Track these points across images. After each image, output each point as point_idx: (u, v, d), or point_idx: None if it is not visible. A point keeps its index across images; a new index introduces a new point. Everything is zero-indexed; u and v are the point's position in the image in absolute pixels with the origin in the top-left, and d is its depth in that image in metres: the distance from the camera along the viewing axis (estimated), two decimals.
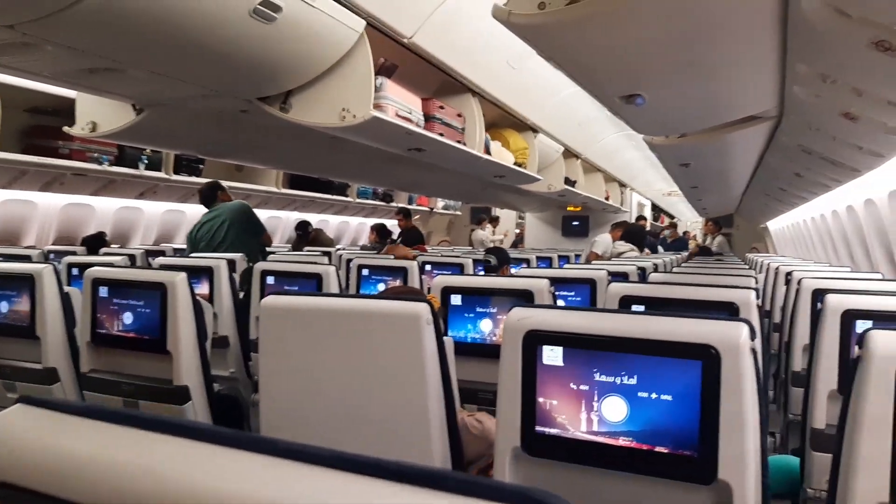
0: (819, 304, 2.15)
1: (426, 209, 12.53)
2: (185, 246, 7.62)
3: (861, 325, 2.07)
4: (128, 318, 2.45)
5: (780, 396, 3.18)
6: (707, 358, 1.20)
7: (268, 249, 6.08)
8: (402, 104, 3.64)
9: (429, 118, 4.09)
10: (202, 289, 3.39)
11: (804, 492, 2.12)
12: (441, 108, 4.24)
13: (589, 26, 1.48)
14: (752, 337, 1.22)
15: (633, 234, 8.12)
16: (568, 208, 10.69)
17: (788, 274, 3.66)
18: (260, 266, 3.37)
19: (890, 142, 2.47)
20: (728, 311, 2.06)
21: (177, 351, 2.32)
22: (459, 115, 4.54)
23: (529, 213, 11.71)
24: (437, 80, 4.39)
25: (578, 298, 3.32)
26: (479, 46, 4.07)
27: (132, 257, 4.91)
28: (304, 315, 1.51)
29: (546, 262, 6.12)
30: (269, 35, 2.68)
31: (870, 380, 1.14)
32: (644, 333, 1.25)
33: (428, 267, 4.64)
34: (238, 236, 5.04)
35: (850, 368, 1.22)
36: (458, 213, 13.92)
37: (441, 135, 4.12)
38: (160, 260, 3.91)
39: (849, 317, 2.06)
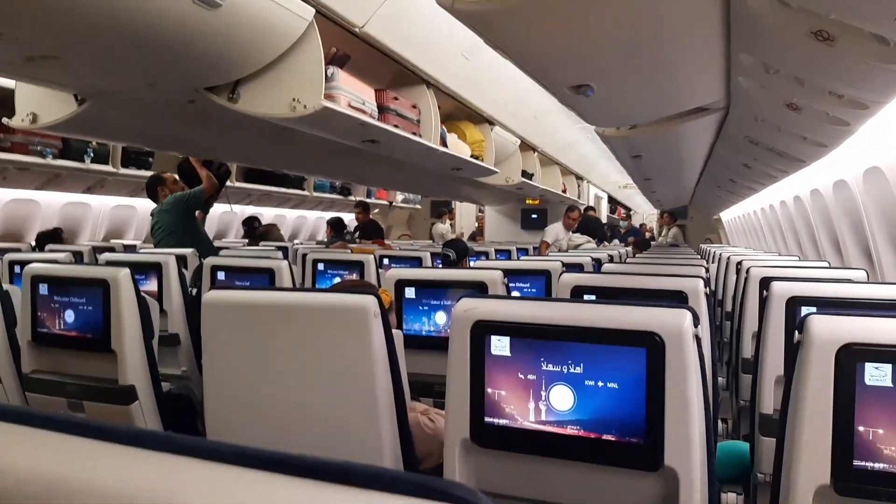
0: (766, 292, 2.19)
1: (385, 203, 12.46)
2: (135, 242, 7.44)
3: (805, 312, 2.11)
4: (70, 316, 2.36)
5: (731, 383, 3.25)
6: (651, 345, 1.20)
7: (218, 245, 5.97)
8: (354, 95, 3.59)
9: (383, 109, 4.05)
10: (150, 285, 3.30)
11: (754, 476, 2.17)
12: (395, 99, 4.20)
13: (534, 14, 1.47)
14: (696, 323, 1.23)
15: (590, 225, 8.23)
16: (527, 201, 10.75)
17: (738, 263, 3.73)
18: (210, 261, 3.30)
19: (833, 132, 2.53)
20: (677, 299, 2.09)
21: (121, 350, 2.25)
22: (414, 107, 4.51)
23: (489, 207, 11.74)
24: (391, 71, 4.34)
25: (534, 290, 3.33)
26: (433, 37, 4.04)
27: (78, 254, 4.75)
28: (248, 310, 1.48)
29: (505, 254, 6.14)
30: (213, 23, 2.61)
31: (810, 364, 1.16)
32: (589, 322, 1.25)
33: (386, 261, 4.61)
34: (172, 227, 4.94)
35: (793, 354, 1.23)
36: (418, 206, 13.88)
37: (396, 126, 4.08)
38: (106, 256, 3.78)
39: (794, 303, 2.11)
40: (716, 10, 1.68)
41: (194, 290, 3.43)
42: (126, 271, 2.27)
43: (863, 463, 1.12)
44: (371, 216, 13.55)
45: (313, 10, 3.00)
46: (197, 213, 5.13)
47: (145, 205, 7.66)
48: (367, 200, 10.04)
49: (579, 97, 2.28)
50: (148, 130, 4.45)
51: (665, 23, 1.72)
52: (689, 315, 1.22)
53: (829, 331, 1.15)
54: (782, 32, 1.60)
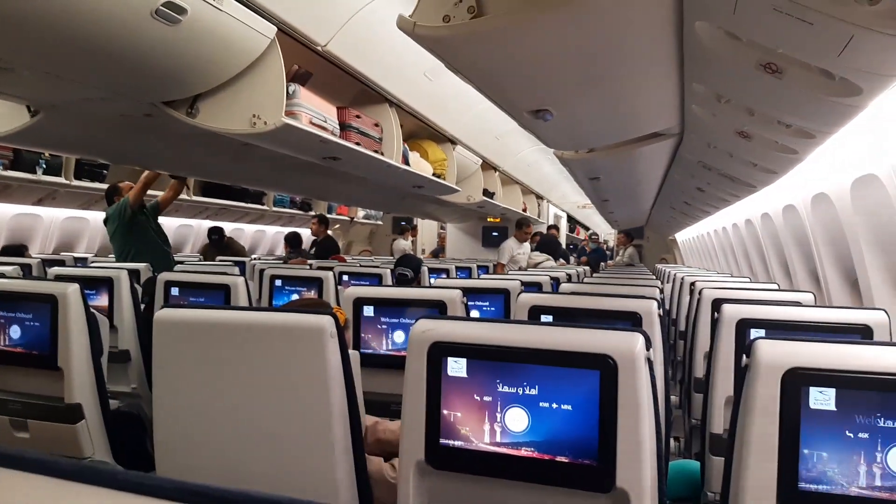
0: (717, 314, 2.25)
1: (346, 218, 12.40)
2: (87, 255, 7.24)
3: (755, 334, 2.18)
4: (15, 332, 2.29)
5: (684, 402, 3.31)
6: (604, 367, 1.22)
7: (176, 258, 5.86)
8: (316, 112, 3.58)
9: (345, 127, 4.04)
10: (101, 300, 3.22)
11: (705, 495, 2.20)
12: (357, 117, 4.20)
13: (493, 41, 1.49)
14: (648, 346, 1.25)
15: (549, 244, 8.33)
16: (488, 219, 10.84)
17: (692, 284, 3.82)
18: (164, 277, 3.23)
19: (782, 159, 2.62)
20: (632, 320, 2.13)
21: (68, 367, 2.18)
22: (377, 125, 4.52)
23: (450, 224, 11.79)
24: (353, 90, 4.35)
25: (493, 309, 3.35)
26: (396, 57, 4.07)
27: (27, 267, 4.60)
28: (200, 329, 1.45)
29: (465, 272, 6.16)
30: (172, 37, 2.58)
31: (756, 387, 1.19)
32: (545, 344, 1.27)
33: (345, 277, 4.58)
34: (114, 236, 4.92)
35: (741, 377, 1.26)
36: (380, 222, 13.84)
37: (357, 144, 4.08)
38: (55, 270, 3.68)
39: (743, 325, 2.17)
40: (670, 40, 1.73)
41: (143, 306, 3.36)
42: (75, 287, 2.21)
43: (808, 486, 1.15)
44: (332, 231, 13.48)
45: (275, 28, 3.00)
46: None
47: (98, 217, 7.48)
48: (327, 215, 9.94)
49: (538, 121, 2.32)
50: (103, 143, 4.36)
51: (621, 51, 1.76)
52: (641, 338, 1.24)
53: (775, 355, 1.18)
54: (733, 64, 1.65)
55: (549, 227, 10.85)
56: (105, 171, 6.70)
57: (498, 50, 1.57)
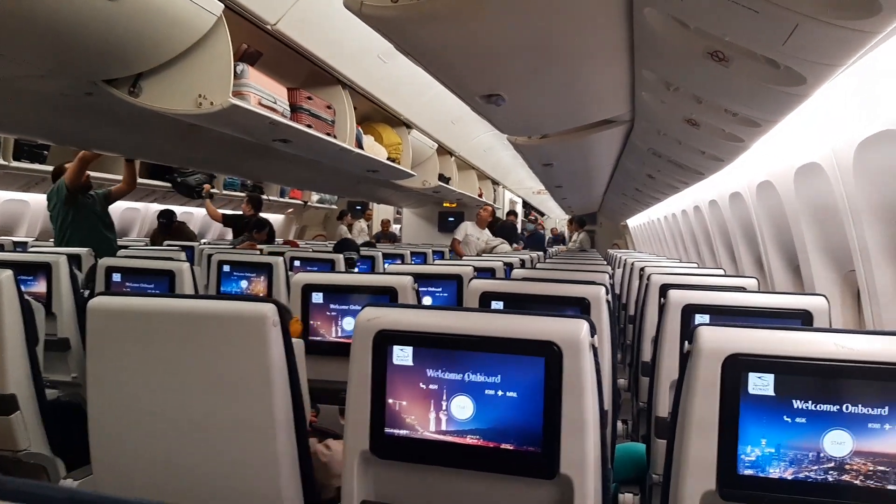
0: (663, 300, 2.28)
1: (300, 202, 12.22)
2: (27, 239, 6.98)
3: (699, 319, 2.22)
4: None
5: (632, 385, 3.36)
6: (549, 354, 1.22)
7: (122, 243, 5.70)
8: (265, 93, 3.49)
9: (296, 109, 3.96)
10: (39, 287, 3.10)
11: (650, 477, 2.24)
12: (309, 98, 4.11)
13: (442, 23, 1.46)
14: (592, 333, 1.25)
15: (505, 229, 8.39)
16: (444, 204, 10.83)
17: (641, 269, 3.88)
18: (105, 262, 3.12)
19: (728, 147, 2.66)
20: (580, 306, 2.14)
21: (1, 357, 2.09)
22: (329, 108, 4.43)
23: (406, 209, 11.74)
24: (305, 71, 4.26)
25: (445, 294, 3.34)
26: (348, 38, 3.98)
27: None
28: (136, 318, 1.39)
29: (420, 257, 6.13)
30: (112, 12, 2.47)
31: (698, 373, 1.20)
32: (490, 331, 1.26)
33: (297, 263, 4.51)
34: (59, 217, 4.79)
35: (684, 362, 1.28)
36: (334, 206, 13.70)
37: (309, 126, 4.00)
38: None
39: (688, 311, 2.20)
40: (620, 26, 1.73)
41: (87, 292, 3.25)
42: (9, 273, 2.11)
43: (747, 469, 1.17)
44: (285, 215, 13.26)
45: (222, 6, 2.90)
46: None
47: (39, 199, 7.19)
48: (260, 195, 9.72)
49: (490, 106, 2.30)
50: (42, 123, 4.18)
51: (572, 36, 1.75)
52: (586, 325, 1.24)
53: (716, 341, 1.20)
54: (681, 51, 1.66)
55: (509, 214, 10.91)
56: (46, 152, 6.45)
57: (447, 32, 1.55)
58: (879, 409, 1.14)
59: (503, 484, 1.29)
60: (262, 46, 3.72)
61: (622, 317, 4.96)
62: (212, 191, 6.78)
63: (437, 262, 5.71)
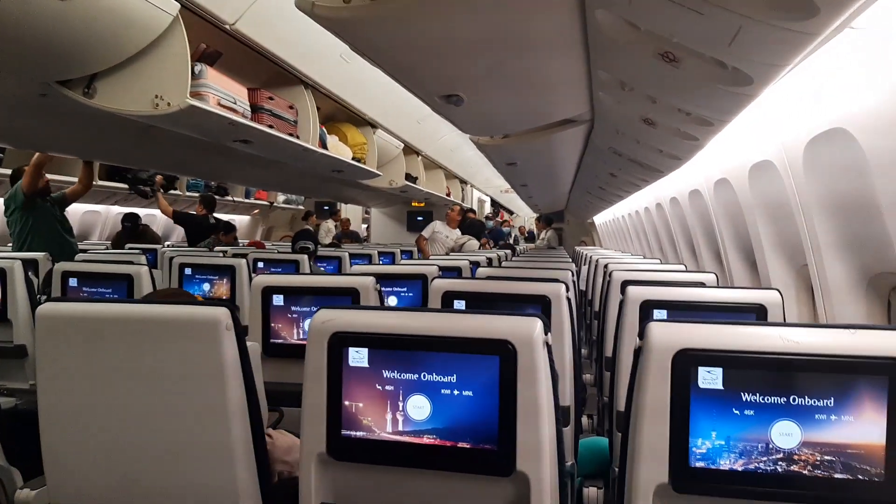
0: (623, 295, 2.31)
1: (266, 203, 12.10)
2: None
3: (657, 314, 2.26)
4: None
5: (598, 380, 3.40)
6: (504, 353, 1.23)
7: (82, 247, 5.58)
8: (225, 93, 3.45)
9: (257, 109, 3.92)
10: None
11: (613, 471, 2.26)
12: (270, 99, 4.08)
13: (396, 23, 1.46)
14: (547, 331, 1.27)
15: (473, 226, 8.42)
16: (412, 204, 10.81)
17: (605, 266, 3.92)
18: (61, 267, 3.06)
19: (684, 146, 2.71)
20: (541, 304, 2.16)
21: None
22: (291, 108, 4.40)
23: (375, 209, 11.71)
24: (267, 71, 4.21)
25: (411, 294, 3.34)
26: (310, 37, 3.94)
27: None
28: (87, 324, 1.36)
29: (389, 257, 6.12)
30: (64, 12, 2.42)
31: (649, 368, 1.22)
32: (445, 331, 1.26)
33: (261, 265, 4.46)
34: (16, 223, 4.69)
35: (637, 357, 1.29)
36: (301, 207, 13.59)
37: (270, 127, 3.96)
38: None
39: (647, 306, 2.24)
40: (574, 27, 1.75)
41: (43, 298, 3.18)
42: None
43: (698, 462, 1.19)
44: (251, 216, 13.10)
45: (178, 5, 2.86)
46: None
47: None
48: (235, 198, 9.55)
49: (450, 106, 2.31)
50: None
51: (527, 37, 1.77)
52: (539, 323, 1.26)
53: (666, 337, 1.22)
54: (633, 52, 1.68)
55: (467, 211, 10.93)
56: (1, 155, 6.30)
57: (402, 32, 1.55)
58: (826, 401, 1.17)
59: (461, 482, 1.30)
60: (222, 46, 3.67)
61: (588, 313, 5.02)
62: (162, 180, 6.68)
63: (403, 261, 5.70)
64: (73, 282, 3.01)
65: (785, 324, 1.23)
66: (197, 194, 9.44)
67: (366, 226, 14.08)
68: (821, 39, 1.32)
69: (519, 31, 1.69)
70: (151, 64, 2.97)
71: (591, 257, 5.55)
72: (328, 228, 12.29)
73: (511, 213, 19.19)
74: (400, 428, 1.28)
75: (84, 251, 5.12)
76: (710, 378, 1.21)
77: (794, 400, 1.17)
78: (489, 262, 4.54)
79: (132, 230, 7.41)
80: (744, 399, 1.19)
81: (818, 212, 2.31)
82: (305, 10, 1.40)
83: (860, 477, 1.13)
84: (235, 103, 3.57)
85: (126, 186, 7.67)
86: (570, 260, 5.70)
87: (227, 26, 3.26)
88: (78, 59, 2.86)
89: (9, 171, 6.29)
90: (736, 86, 1.65)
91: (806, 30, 1.23)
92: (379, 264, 5.12)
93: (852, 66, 1.75)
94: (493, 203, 16.31)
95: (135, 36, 2.86)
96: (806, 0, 1.08)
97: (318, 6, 1.38)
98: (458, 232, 7.97)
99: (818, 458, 1.16)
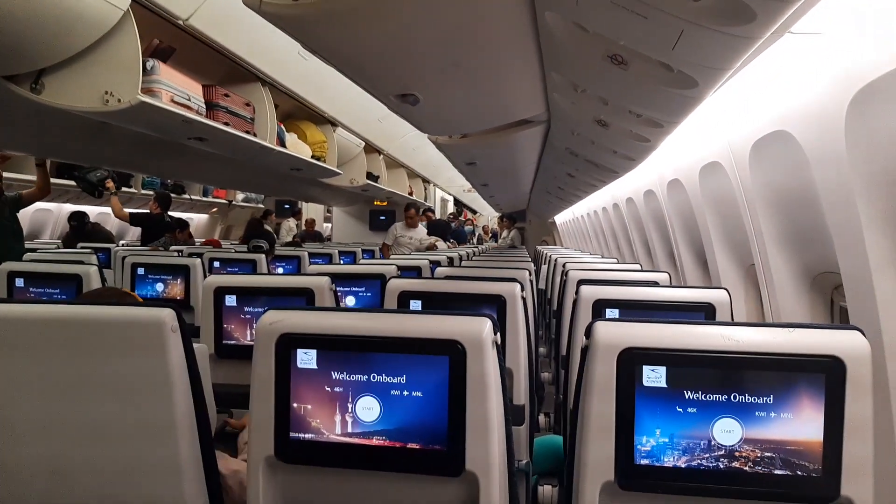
0: (576, 294, 2.34)
1: (224, 201, 11.91)
2: None
3: (609, 313, 2.29)
4: None
5: (556, 378, 3.43)
6: (453, 353, 1.23)
7: (29, 246, 5.42)
8: (178, 90, 3.39)
9: (212, 106, 3.86)
10: None
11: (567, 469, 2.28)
12: (226, 95, 4.02)
13: (347, 21, 1.45)
14: (496, 331, 1.27)
15: (439, 227, 8.44)
16: (375, 203, 10.77)
17: (563, 265, 3.96)
18: (7, 267, 2.96)
19: (637, 147, 2.75)
20: (497, 303, 2.17)
21: None
22: (248, 105, 4.34)
23: (336, 207, 11.62)
24: (222, 68, 4.15)
25: (369, 294, 3.32)
26: (266, 33, 3.87)
27: None
28: (26, 325, 1.32)
29: (350, 256, 6.08)
30: (11, 5, 2.35)
31: (595, 367, 1.24)
32: (395, 332, 1.26)
33: (217, 264, 4.39)
34: None
35: (583, 357, 1.31)
36: (261, 206, 13.41)
37: (226, 124, 3.91)
38: None
39: (599, 305, 2.27)
40: (526, 29, 1.76)
41: None
42: None
43: (643, 460, 1.21)
44: (209, 214, 12.88)
45: (129, 0, 2.80)
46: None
47: None
48: (192, 196, 9.34)
49: (407, 105, 2.30)
50: None
51: (479, 37, 1.77)
52: (489, 323, 1.26)
53: (611, 336, 1.23)
54: (583, 55, 1.70)
55: (425, 211, 10.92)
56: None
57: (353, 31, 1.54)
58: (766, 398, 1.19)
59: (411, 483, 1.30)
60: (176, 42, 3.61)
61: (548, 311, 5.06)
62: (113, 186, 6.52)
63: (364, 261, 5.67)
64: (19, 282, 2.92)
65: (728, 323, 1.26)
66: (153, 192, 9.25)
67: (329, 225, 13.95)
68: (760, 44, 1.35)
69: (472, 31, 1.70)
70: (101, 59, 2.91)
71: (550, 256, 5.60)
72: (289, 227, 12.17)
73: (474, 212, 19.25)
74: (349, 430, 1.28)
75: (33, 251, 4.97)
76: (654, 376, 1.23)
77: (735, 398, 1.20)
78: (450, 262, 4.55)
79: (80, 229, 7.21)
80: (687, 397, 1.22)
81: (764, 212, 2.37)
82: (253, 6, 1.38)
83: (799, 473, 1.16)
84: (189, 100, 3.51)
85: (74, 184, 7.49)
86: (530, 259, 5.75)
87: (181, 22, 3.20)
88: (25, 54, 2.78)
89: None
90: (682, 88, 1.68)
91: (745, 34, 1.26)
92: (339, 264, 5.09)
93: (793, 69, 1.80)
94: (457, 202, 16.35)
95: (84, 30, 2.79)
96: (742, 5, 1.11)
97: (265, 3, 1.37)
98: (423, 231, 7.95)
99: (759, 455, 1.19)
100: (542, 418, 3.16)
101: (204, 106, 3.73)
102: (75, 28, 2.78)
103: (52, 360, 1.32)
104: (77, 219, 7.26)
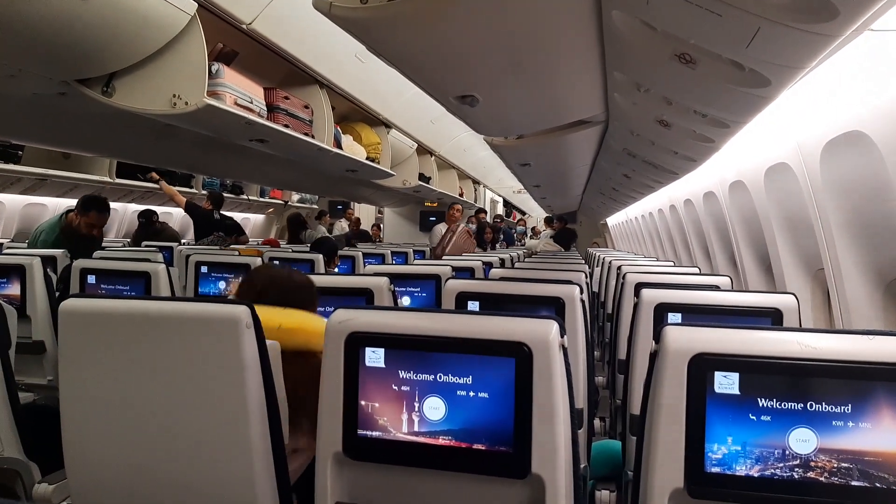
0: (637, 298, 2.30)
1: (280, 202, 12.16)
2: (2, 240, 6.86)
3: (672, 318, 2.25)
4: None
5: (610, 383, 3.39)
6: (520, 355, 1.23)
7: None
8: (241, 93, 3.48)
9: (272, 108, 3.94)
10: (13, 289, 3.06)
11: (625, 475, 2.26)
12: (286, 98, 4.10)
13: (412, 24, 1.47)
14: (562, 334, 1.26)
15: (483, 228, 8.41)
16: (425, 203, 10.83)
17: (618, 268, 3.91)
18: (80, 264, 3.09)
19: (700, 147, 2.69)
20: (555, 305, 2.16)
21: None
22: (307, 107, 4.42)
23: (388, 208, 11.73)
24: (282, 70, 4.24)
25: (424, 294, 3.34)
26: (325, 37, 3.97)
27: None
28: (108, 320, 1.38)
29: (401, 257, 6.12)
30: (84, 12, 2.45)
31: (665, 372, 1.22)
32: (461, 332, 1.27)
33: (276, 263, 4.48)
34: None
35: (652, 361, 1.29)
36: (315, 206, 13.63)
37: (286, 126, 3.99)
38: None
39: (661, 309, 2.23)
40: (590, 29, 1.74)
41: (58, 294, 3.21)
42: None
43: (714, 467, 1.19)
44: (266, 215, 13.15)
45: (196, 5, 2.89)
46: None
47: (15, 200, 7.09)
48: (250, 196, 9.47)
49: (465, 107, 2.31)
50: (13, 124, 4.12)
51: (543, 38, 1.77)
52: (555, 325, 1.25)
53: (682, 341, 1.21)
54: (649, 54, 1.68)
55: (478, 212, 10.92)
56: (20, 153, 6.37)
57: (418, 33, 1.55)
58: (843, 407, 1.15)
59: (476, 484, 1.30)
60: (239, 46, 3.70)
61: (601, 315, 5.00)
62: (156, 175, 6.85)
63: (416, 261, 5.70)
64: (91, 279, 3.03)
65: (802, 329, 1.22)
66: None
67: (380, 224, 14.07)
68: (840, 41, 1.31)
69: (535, 32, 1.69)
70: (169, 63, 3.00)
71: (603, 259, 5.53)
72: (342, 227, 12.32)
73: (523, 213, 19.15)
74: (416, 428, 1.29)
75: (104, 248, 5.16)
76: (726, 383, 1.20)
77: (811, 406, 1.16)
78: (502, 263, 4.54)
79: (146, 226, 7.45)
80: (760, 405, 1.18)
81: (835, 215, 2.29)
82: (323, 10, 1.41)
83: (878, 485, 1.12)
84: (252, 103, 3.59)
85: (144, 184, 7.80)
86: (583, 261, 5.69)
87: (244, 26, 3.28)
88: (97, 58, 2.90)
89: (29, 169, 6.37)
90: (753, 88, 1.64)
91: (825, 32, 1.22)
92: (392, 264, 5.13)
93: (871, 68, 1.73)
94: (506, 203, 16.29)
95: (153, 35, 2.89)
96: (825, 2, 1.08)
97: (335, 6, 1.39)
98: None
99: (835, 465, 1.15)
100: (597, 423, 3.12)
101: (265, 108, 3.81)
102: (145, 33, 2.88)
103: (134, 353, 1.37)
104: (145, 216, 7.51)
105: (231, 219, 7.53)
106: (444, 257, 6.27)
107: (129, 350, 1.39)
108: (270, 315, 1.54)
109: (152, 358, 1.38)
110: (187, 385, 1.36)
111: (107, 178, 7.42)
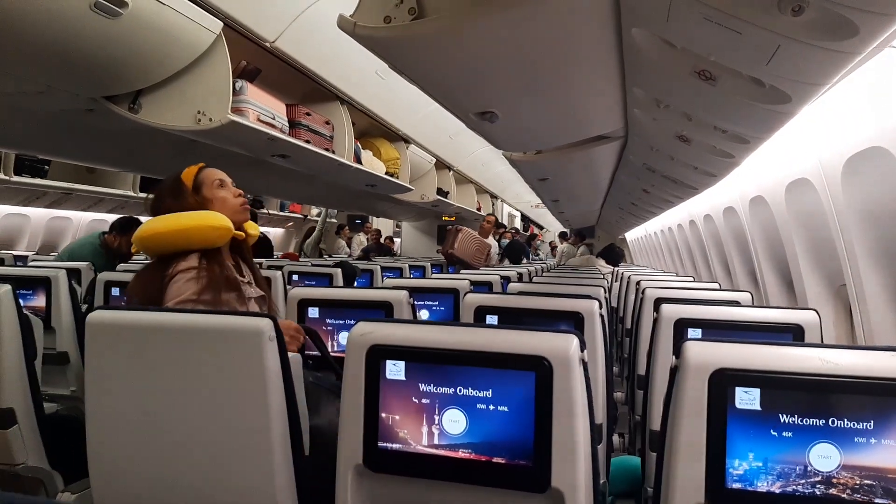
0: (656, 313, 2.29)
1: (300, 216, 12.26)
2: (27, 253, 6.99)
3: (692, 333, 2.24)
4: None
5: (629, 398, 3.37)
6: (540, 369, 1.24)
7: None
8: (264, 109, 3.53)
9: (294, 125, 4.00)
10: (38, 301, 3.11)
11: (645, 491, 2.24)
12: (308, 114, 4.16)
13: (434, 43, 1.50)
14: (582, 348, 1.27)
15: (514, 249, 8.43)
16: (443, 218, 10.86)
17: (637, 283, 3.89)
18: (104, 277, 3.14)
19: (720, 163, 2.69)
20: (574, 320, 2.16)
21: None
22: (328, 123, 4.48)
23: (406, 222, 11.79)
24: (304, 87, 4.31)
25: (442, 308, 3.35)
26: (346, 54, 4.03)
27: None
28: (134, 331, 1.41)
29: (419, 271, 6.14)
30: (112, 31, 2.51)
31: (685, 387, 1.21)
32: (482, 346, 1.28)
33: (295, 277, 4.52)
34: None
35: (672, 376, 1.29)
36: (334, 220, 13.72)
37: (307, 142, 4.04)
38: None
39: (681, 325, 2.22)
40: (610, 45, 1.76)
41: (86, 307, 3.26)
42: (7, 288, 2.13)
43: (735, 483, 1.18)
44: (285, 229, 13.27)
45: (221, 23, 2.95)
46: None
47: (40, 213, 7.22)
48: (270, 210, 9.56)
49: (485, 123, 2.33)
50: (41, 138, 4.21)
51: (562, 55, 1.79)
52: (576, 340, 1.26)
53: (702, 356, 1.21)
54: (669, 70, 1.69)
55: (499, 226, 10.92)
56: (47, 167, 6.49)
57: (439, 52, 1.58)
58: (865, 424, 1.14)
59: (495, 497, 1.31)
60: (262, 63, 3.77)
61: (619, 330, 4.97)
62: None
63: (434, 275, 5.72)
64: (115, 291, 3.08)
65: (824, 345, 1.21)
66: None
67: (398, 240, 14.12)
68: (860, 58, 1.32)
69: (554, 49, 1.71)
70: (195, 80, 3.07)
71: (622, 274, 5.51)
72: (360, 242, 12.39)
73: (541, 227, 19.12)
74: (436, 441, 1.30)
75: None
76: (747, 399, 1.20)
77: (833, 422, 1.15)
78: (520, 277, 4.54)
79: None
80: (782, 420, 1.18)
81: (857, 231, 2.27)
82: (347, 29, 1.44)
83: None
84: (274, 119, 3.65)
85: None
86: (602, 276, 5.66)
87: (268, 44, 3.35)
88: (125, 76, 2.97)
89: (55, 183, 6.47)
90: (773, 104, 1.64)
91: (845, 49, 1.23)
92: (410, 277, 5.15)
93: (893, 84, 1.73)
94: (524, 218, 16.29)
95: (180, 53, 2.96)
96: (845, 20, 1.09)
97: (359, 26, 1.42)
98: (494, 244, 7.92)
99: (858, 482, 1.14)
100: (615, 438, 3.10)
101: (287, 124, 3.87)
102: (172, 51, 2.95)
103: (159, 365, 1.40)
104: None
105: (263, 235, 7.58)
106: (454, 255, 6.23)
107: (153, 361, 1.42)
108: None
109: (176, 369, 1.40)
110: (210, 397, 1.38)
111: (131, 193, 7.53)
